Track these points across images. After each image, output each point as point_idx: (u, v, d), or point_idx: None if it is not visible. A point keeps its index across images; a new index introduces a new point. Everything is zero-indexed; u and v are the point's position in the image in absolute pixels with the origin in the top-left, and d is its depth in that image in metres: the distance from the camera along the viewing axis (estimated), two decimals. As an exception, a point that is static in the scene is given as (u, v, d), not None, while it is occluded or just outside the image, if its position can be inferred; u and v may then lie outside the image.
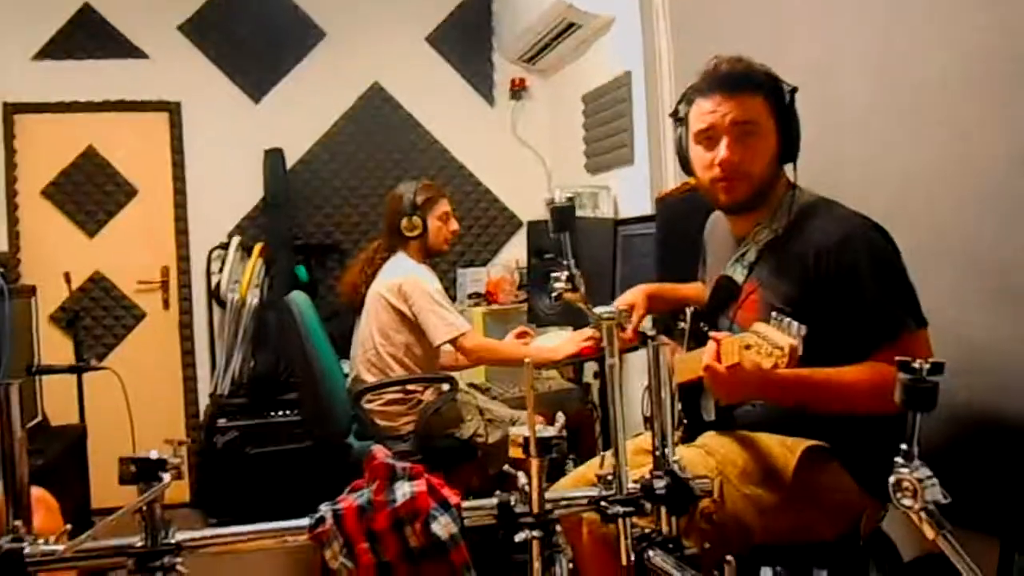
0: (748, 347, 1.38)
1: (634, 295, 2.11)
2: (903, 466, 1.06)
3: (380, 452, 1.32)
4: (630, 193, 3.88)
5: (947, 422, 1.72)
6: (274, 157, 4.53)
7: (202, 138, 4.54)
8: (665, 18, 3.39)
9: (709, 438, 1.77)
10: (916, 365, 1.03)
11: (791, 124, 1.70)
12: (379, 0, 4.75)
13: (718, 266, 1.89)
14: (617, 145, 3.99)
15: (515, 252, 4.92)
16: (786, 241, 1.70)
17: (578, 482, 1.79)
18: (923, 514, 1.04)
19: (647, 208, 3.49)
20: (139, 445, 1.18)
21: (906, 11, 2.09)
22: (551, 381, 3.79)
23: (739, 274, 1.78)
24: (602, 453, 1.78)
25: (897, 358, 1.06)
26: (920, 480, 1.05)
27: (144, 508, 1.12)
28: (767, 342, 1.32)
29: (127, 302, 4.49)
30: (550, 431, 1.29)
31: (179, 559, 1.13)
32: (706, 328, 1.79)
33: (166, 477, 1.11)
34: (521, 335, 3.27)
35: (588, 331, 3.05)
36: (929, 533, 1.04)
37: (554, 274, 1.92)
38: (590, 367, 3.64)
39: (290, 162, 4.63)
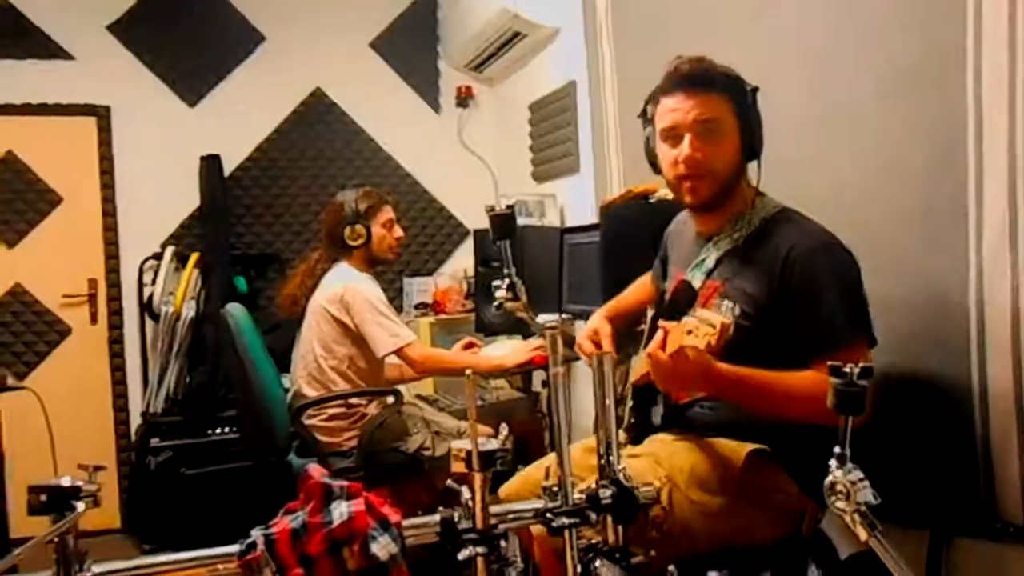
0: (689, 332, 1.39)
1: (597, 323, 2.06)
2: (837, 469, 1.10)
3: (316, 471, 1.25)
4: (576, 201, 3.86)
5: (877, 423, 1.73)
6: (211, 163, 4.38)
7: (133, 144, 4.35)
8: (608, 29, 3.37)
9: (657, 444, 1.77)
10: (847, 370, 1.08)
11: (753, 121, 1.72)
12: (321, 4, 4.65)
13: (679, 267, 1.89)
14: (563, 154, 3.96)
15: (462, 261, 4.84)
16: (749, 249, 1.72)
17: (526, 481, 1.79)
18: (856, 516, 1.09)
19: (593, 216, 3.46)
20: (63, 469, 1.10)
21: (840, 28, 2.15)
22: (499, 391, 3.73)
23: (697, 279, 1.78)
24: (549, 455, 1.76)
25: (830, 363, 1.10)
26: (853, 482, 1.09)
27: (56, 540, 1.03)
28: (704, 323, 1.35)
29: (50, 316, 4.27)
30: (493, 443, 1.27)
31: (94, 594, 1.04)
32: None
33: (80, 506, 1.03)
34: (468, 345, 3.19)
35: (537, 340, 3.00)
36: (862, 535, 1.10)
37: (495, 283, 1.88)
38: (539, 376, 3.59)
39: (228, 169, 4.48)
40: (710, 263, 1.76)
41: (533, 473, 1.79)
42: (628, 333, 2.09)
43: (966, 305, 1.79)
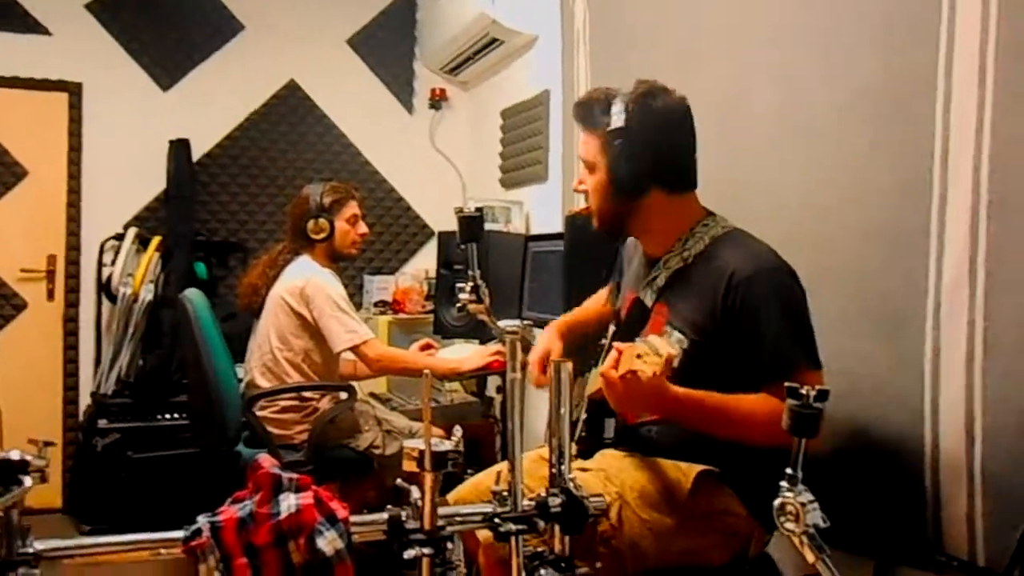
0: (639, 356, 1.38)
1: (548, 340, 2.06)
2: (788, 490, 1.10)
3: (266, 461, 1.25)
4: (542, 210, 3.89)
5: (828, 445, 1.77)
6: (179, 148, 4.35)
7: (103, 122, 4.32)
8: (584, 40, 3.41)
9: (607, 460, 1.77)
10: (803, 391, 1.08)
11: (617, 160, 1.72)
12: (301, -2, 4.66)
13: (630, 286, 1.92)
14: (532, 162, 4.00)
15: (425, 262, 4.85)
16: (695, 269, 1.72)
17: (476, 488, 1.79)
18: (804, 538, 1.09)
19: (558, 225, 3.50)
20: (8, 444, 1.08)
21: (808, 46, 2.17)
22: (453, 394, 3.74)
23: (649, 298, 1.80)
24: (501, 463, 1.77)
25: (787, 384, 1.10)
26: (803, 504, 1.09)
27: (1, 514, 1.03)
28: (652, 351, 1.35)
29: (7, 291, 4.22)
30: (446, 445, 1.27)
31: (36, 570, 1.04)
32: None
33: (27, 481, 1.03)
34: (425, 347, 3.20)
35: (495, 346, 3.03)
36: (809, 557, 1.09)
37: (459, 284, 1.88)
38: (493, 381, 3.62)
39: (196, 154, 4.46)
40: (661, 281, 1.78)
41: (484, 480, 1.77)
42: (582, 347, 2.11)
43: (923, 332, 1.80)
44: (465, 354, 3.07)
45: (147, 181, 4.38)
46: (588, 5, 3.36)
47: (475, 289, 1.84)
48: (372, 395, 3.62)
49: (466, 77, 4.78)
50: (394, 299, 4.61)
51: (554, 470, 1.37)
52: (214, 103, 4.50)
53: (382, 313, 4.52)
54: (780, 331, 1.61)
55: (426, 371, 1.27)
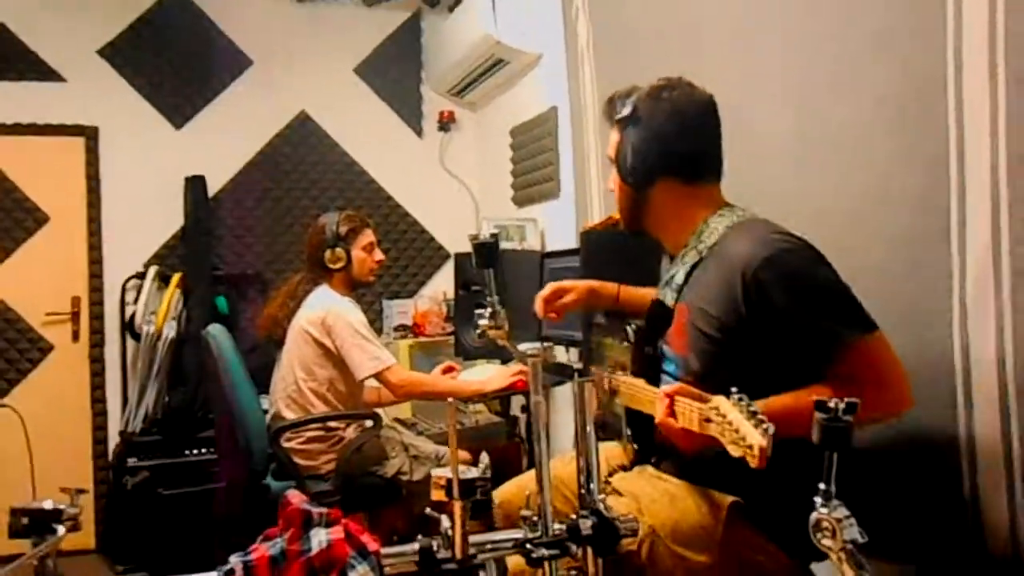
0: (708, 421, 1.30)
1: (576, 283, 2.08)
2: (822, 506, 1.06)
3: (295, 497, 1.26)
4: (556, 226, 3.90)
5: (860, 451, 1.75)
6: (195, 184, 4.41)
7: (120, 164, 4.37)
8: (589, 56, 3.42)
9: (640, 485, 1.73)
10: (831, 404, 1.03)
11: (627, 148, 1.72)
12: (307, 30, 4.71)
13: (659, 288, 1.89)
14: (544, 179, 4.01)
15: (442, 284, 4.87)
16: (710, 263, 1.67)
17: (520, 488, 1.78)
18: (842, 554, 1.04)
19: (573, 241, 3.50)
20: (41, 488, 1.10)
21: (818, 56, 2.17)
22: (478, 415, 3.75)
23: (669, 298, 1.76)
24: (530, 477, 1.73)
25: (815, 397, 1.05)
26: (839, 520, 1.05)
27: (36, 563, 1.04)
28: (730, 428, 1.23)
29: (33, 334, 4.26)
30: (473, 472, 1.26)
31: (74, 617, 1.05)
32: (650, 351, 1.78)
33: (60, 529, 1.04)
34: (448, 370, 3.21)
35: (517, 365, 3.03)
36: (849, 573, 1.04)
37: (478, 311, 1.86)
38: (517, 400, 3.61)
39: (212, 190, 4.51)
40: (680, 279, 1.73)
41: (529, 480, 1.70)
42: (612, 313, 2.08)
43: (950, 330, 1.79)
44: (488, 375, 3.07)
45: (165, 219, 4.43)
46: (591, 21, 3.38)
47: (494, 315, 1.82)
48: (397, 420, 3.62)
49: (473, 98, 4.81)
50: (414, 323, 4.62)
51: (583, 490, 1.35)
52: (227, 138, 4.55)
53: (403, 337, 4.54)
54: (815, 312, 1.52)
55: (450, 398, 1.27)
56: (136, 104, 4.42)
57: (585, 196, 3.52)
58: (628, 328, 1.86)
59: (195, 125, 4.54)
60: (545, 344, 1.47)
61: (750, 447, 1.16)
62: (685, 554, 1.57)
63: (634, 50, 3.07)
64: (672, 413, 1.42)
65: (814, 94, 2.19)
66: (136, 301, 4.26)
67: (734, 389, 1.23)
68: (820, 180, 2.18)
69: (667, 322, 1.76)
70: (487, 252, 1.76)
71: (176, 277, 4.27)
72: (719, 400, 1.26)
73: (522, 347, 1.43)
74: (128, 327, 4.27)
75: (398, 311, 4.72)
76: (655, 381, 1.72)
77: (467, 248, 1.92)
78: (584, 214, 3.51)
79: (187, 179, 4.40)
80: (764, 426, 1.15)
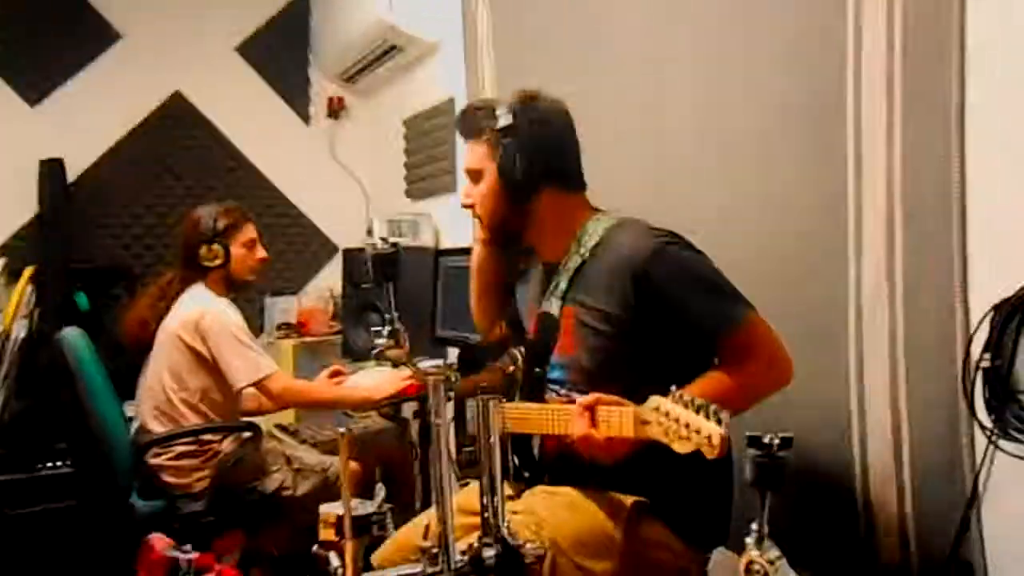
0: (645, 423, 1.30)
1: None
2: (754, 547, 1.06)
3: (159, 542, 1.06)
4: (452, 222, 3.72)
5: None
6: (52, 168, 4.00)
7: (-39, 142, 3.93)
8: (488, 46, 3.26)
9: (536, 499, 1.67)
10: (766, 440, 1.03)
11: (508, 162, 1.69)
12: (185, 3, 4.34)
13: (534, 302, 1.85)
14: (439, 172, 3.84)
15: (328, 280, 4.63)
16: (595, 262, 1.69)
17: (399, 548, 1.65)
18: None
19: (470, 238, 3.34)
20: None
21: (730, 61, 2.16)
22: (367, 419, 3.53)
23: (555, 307, 1.74)
24: (425, 514, 1.64)
25: (747, 434, 1.04)
26: (771, 562, 1.05)
27: None
28: (677, 424, 1.23)
29: None
30: (369, 507, 1.17)
31: None
32: (540, 372, 1.75)
33: None
34: (335, 374, 2.98)
35: (408, 370, 2.84)
36: None
37: (375, 329, 1.73)
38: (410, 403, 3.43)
39: (72, 175, 4.10)
40: (563, 285, 1.73)
41: (407, 536, 1.66)
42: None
43: (846, 340, 1.83)
44: (377, 380, 2.85)
45: (15, 206, 4.01)
46: (491, 9, 3.22)
47: (393, 333, 1.69)
48: (279, 427, 3.37)
49: (365, 85, 4.56)
50: (298, 321, 4.37)
51: (486, 514, 1.27)
52: (90, 118, 4.14)
53: (286, 336, 4.28)
54: (705, 295, 1.59)
55: (337, 407, 1.12)
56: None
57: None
58: (515, 351, 1.82)
59: (53, 102, 4.11)
60: (449, 363, 1.32)
61: (708, 438, 1.18)
62: (587, 565, 1.55)
63: (536, 44, 2.94)
64: (594, 425, 1.43)
65: (720, 98, 2.18)
66: (-19, 298, 3.84)
67: (673, 387, 1.27)
68: (721, 185, 2.18)
69: (555, 332, 1.73)
70: (386, 263, 1.65)
71: (28, 271, 3.86)
72: (658, 400, 1.28)
73: (422, 365, 1.31)
74: (-29, 326, 3.85)
75: (281, 308, 4.46)
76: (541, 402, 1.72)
77: (357, 244, 1.78)
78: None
79: (42, 162, 3.99)
80: (718, 415, 1.17)
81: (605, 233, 1.70)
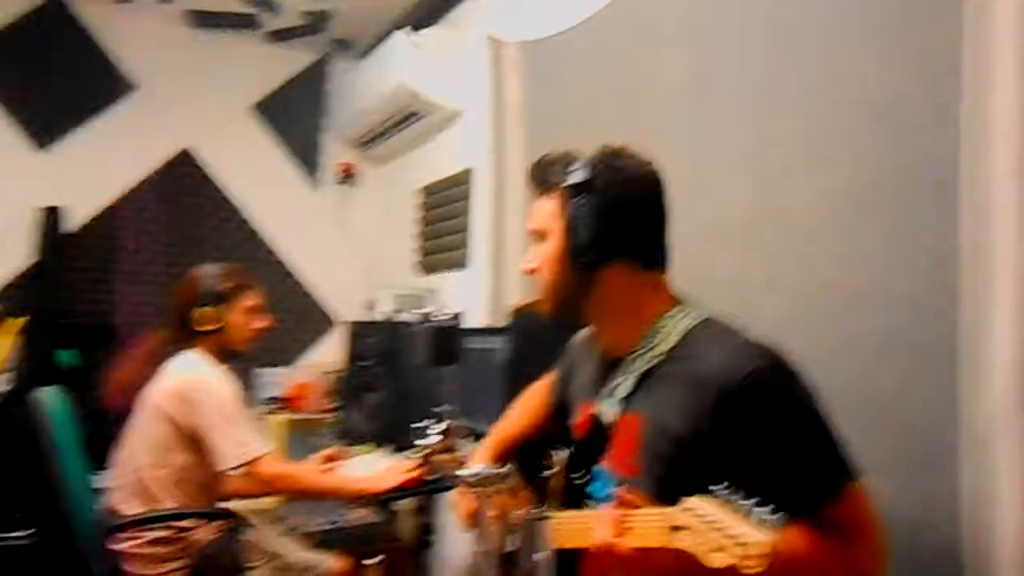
0: (677, 529, 1.03)
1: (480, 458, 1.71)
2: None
3: None
4: (462, 299, 3.51)
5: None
6: (49, 217, 3.81)
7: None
8: (519, 116, 3.11)
9: None
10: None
11: (579, 221, 1.41)
12: (203, 60, 4.24)
13: (587, 392, 1.55)
14: (452, 246, 3.65)
15: (323, 355, 4.40)
16: (667, 370, 1.38)
17: None
18: None
19: (483, 317, 3.12)
20: None
21: (789, 126, 1.92)
22: (353, 512, 3.24)
23: (610, 412, 1.44)
24: None
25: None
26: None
27: None
28: (716, 531, 0.97)
29: None
30: None
31: None
32: (580, 479, 1.46)
33: None
34: (329, 459, 2.70)
35: (409, 459, 2.57)
36: None
37: (423, 423, 1.40)
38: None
39: (73, 225, 3.92)
40: (624, 389, 1.43)
41: None
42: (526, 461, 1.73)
43: (956, 484, 1.51)
44: (376, 470, 2.57)
45: (14, 252, 3.80)
46: (525, 77, 3.07)
47: (447, 432, 1.33)
48: (259, 512, 3.07)
49: (379, 152, 4.42)
50: (290, 395, 4.11)
51: None
52: (95, 169, 3.98)
53: (274, 412, 4.02)
54: (805, 451, 1.26)
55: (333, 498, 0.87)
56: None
57: (501, 269, 3.15)
58: (555, 454, 1.52)
59: (61, 149, 3.95)
60: (496, 468, 1.06)
61: (744, 546, 0.95)
62: None
63: (571, 111, 2.78)
64: (619, 532, 1.15)
65: (779, 165, 1.93)
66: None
67: (717, 487, 1.02)
68: (782, 269, 1.91)
69: (603, 442, 1.44)
70: (445, 342, 1.32)
71: (16, 322, 3.63)
72: (694, 501, 1.03)
73: (464, 472, 1.07)
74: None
75: (271, 382, 4.20)
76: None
77: (360, 317, 1.53)
78: (499, 288, 3.14)
79: (42, 210, 3.80)
80: (766, 521, 0.95)
81: (687, 334, 1.41)
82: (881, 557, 1.28)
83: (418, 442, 1.29)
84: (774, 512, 0.99)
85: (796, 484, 1.23)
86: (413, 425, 1.35)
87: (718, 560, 0.96)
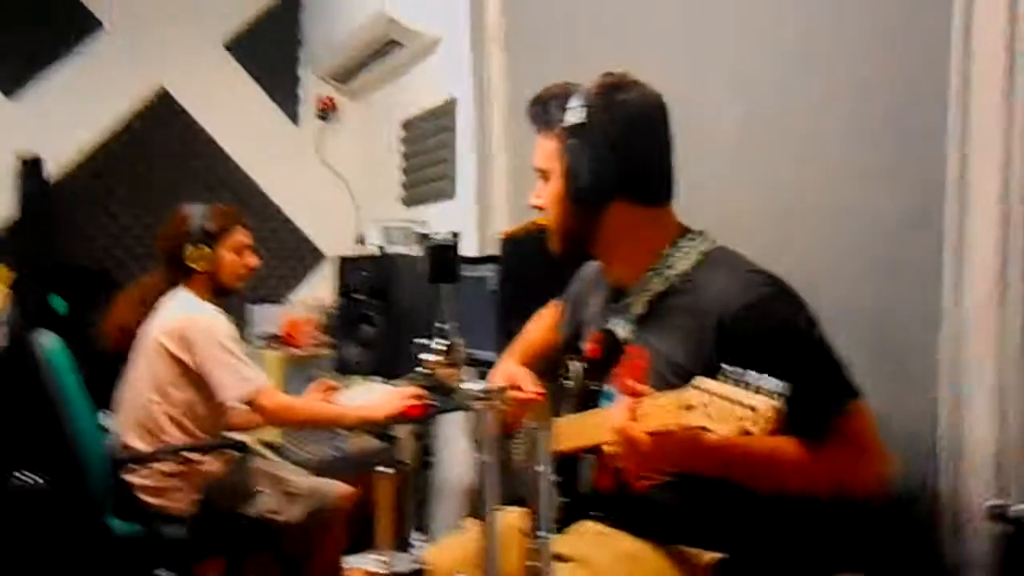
0: (690, 407, 1.05)
1: (510, 369, 1.72)
2: None
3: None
4: (450, 230, 3.54)
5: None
6: (31, 167, 3.79)
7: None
8: (500, 42, 3.09)
9: (590, 545, 1.43)
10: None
11: (572, 165, 1.43)
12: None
13: (598, 321, 1.58)
14: (437, 177, 3.66)
15: (314, 290, 4.44)
16: (677, 298, 1.42)
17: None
18: None
19: (472, 247, 3.15)
20: None
21: (783, 43, 1.92)
22: (355, 438, 3.32)
23: (622, 329, 1.48)
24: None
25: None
26: None
27: None
28: (725, 400, 1.00)
29: None
30: (405, 563, 1.01)
31: None
32: (595, 387, 1.50)
33: None
34: (326, 389, 2.76)
35: (407, 387, 2.64)
36: None
37: (422, 340, 1.44)
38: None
39: (54, 172, 3.91)
40: (638, 308, 1.46)
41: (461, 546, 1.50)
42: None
43: (933, 386, 1.55)
44: (374, 397, 2.64)
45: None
46: (505, 2, 3.04)
47: (450, 348, 1.35)
48: (264, 444, 3.16)
49: (357, 85, 4.38)
50: (284, 332, 4.16)
51: (536, 562, 1.11)
52: (70, 114, 3.95)
53: (270, 347, 4.07)
54: (806, 371, 1.27)
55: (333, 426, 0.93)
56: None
57: (488, 198, 3.17)
58: (571, 364, 1.58)
59: (30, 95, 3.92)
60: (499, 387, 1.10)
61: (752, 408, 0.97)
62: None
63: (553, 34, 2.76)
64: (635, 418, 1.18)
65: (772, 91, 1.93)
66: (-47, 299, 3.61)
67: (726, 367, 1.04)
68: (772, 185, 1.92)
69: (617, 356, 1.48)
70: (446, 259, 1.32)
71: (3, 272, 3.65)
72: (703, 380, 1.06)
73: (467, 387, 1.13)
74: (-59, 329, 3.62)
75: (265, 318, 4.24)
76: None
77: (349, 252, 1.54)
78: (486, 218, 3.17)
79: (22, 161, 3.78)
80: (770, 386, 0.98)
81: (697, 261, 1.44)
82: (883, 471, 1.32)
83: (423, 356, 1.32)
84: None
85: (801, 401, 1.20)
86: (417, 340, 1.38)
87: (729, 428, 0.99)
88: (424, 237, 1.33)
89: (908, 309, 1.65)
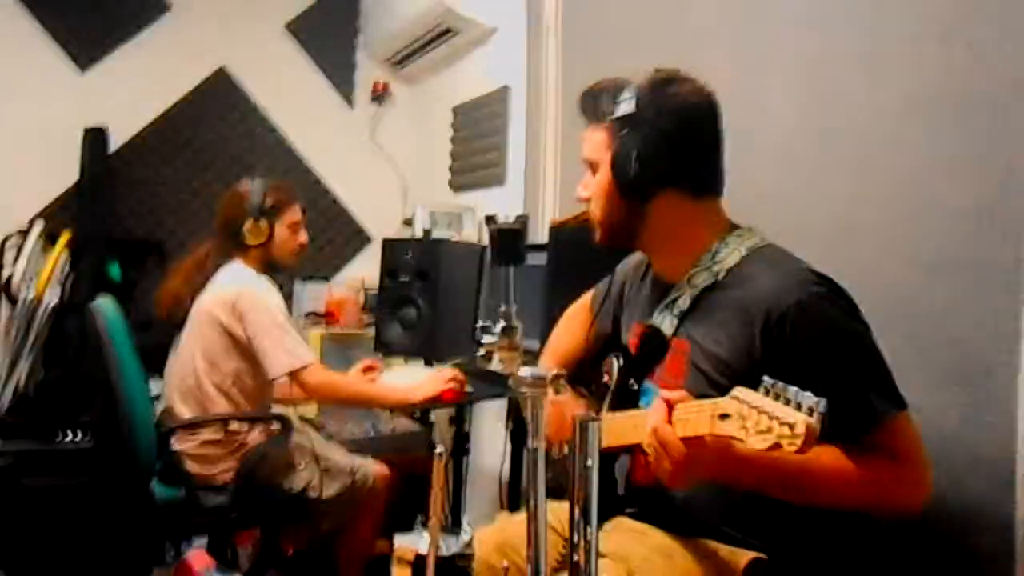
0: (725, 416, 1.05)
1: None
2: None
3: (199, 561, 0.92)
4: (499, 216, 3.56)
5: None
6: (95, 136, 3.89)
7: (9, 104, 3.82)
8: (556, 32, 3.11)
9: (627, 542, 1.43)
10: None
11: (624, 153, 1.43)
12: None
13: (640, 315, 1.58)
14: (488, 164, 3.69)
15: (359, 270, 4.49)
16: (724, 294, 1.41)
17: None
18: None
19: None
20: None
21: (843, 34, 1.88)
22: (395, 421, 3.38)
23: (667, 325, 1.47)
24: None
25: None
26: None
27: None
28: (761, 413, 0.99)
29: None
30: (454, 545, 1.02)
31: None
32: (635, 386, 1.50)
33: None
34: (367, 369, 2.82)
35: (449, 370, 2.68)
36: None
37: (483, 323, 1.41)
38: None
39: (115, 144, 4.00)
40: (684, 303, 1.45)
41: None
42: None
43: (1014, 395, 1.48)
44: (415, 379, 2.69)
45: (58, 171, 3.88)
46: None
47: (508, 331, 1.31)
48: (304, 420, 3.23)
49: (413, 71, 4.43)
50: (327, 310, 4.23)
51: (576, 557, 1.06)
52: (136, 89, 4.03)
53: (314, 325, 4.14)
54: (846, 377, 1.27)
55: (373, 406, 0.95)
56: (36, 37, 3.87)
57: (537, 186, 3.20)
58: (613, 359, 1.56)
59: (101, 69, 4.00)
60: (555, 372, 1.09)
61: (790, 426, 0.95)
62: None
63: (610, 27, 2.77)
64: (670, 421, 1.17)
65: (836, 79, 1.89)
66: (16, 261, 3.72)
67: (767, 379, 1.01)
68: (835, 185, 1.89)
69: (660, 354, 1.47)
70: (512, 243, 1.29)
71: (64, 237, 3.76)
72: (741, 390, 1.05)
73: (523, 372, 1.12)
74: (4, 290, 3.73)
75: (310, 295, 4.31)
76: None
77: (395, 234, 1.56)
78: (535, 205, 3.20)
79: (86, 130, 3.88)
80: (810, 402, 0.95)
81: (746, 256, 1.42)
82: (923, 487, 1.30)
83: (483, 339, 1.31)
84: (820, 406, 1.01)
85: (843, 408, 1.18)
86: (479, 325, 1.37)
87: (763, 441, 0.98)
88: (490, 219, 1.31)
89: (984, 319, 1.57)
